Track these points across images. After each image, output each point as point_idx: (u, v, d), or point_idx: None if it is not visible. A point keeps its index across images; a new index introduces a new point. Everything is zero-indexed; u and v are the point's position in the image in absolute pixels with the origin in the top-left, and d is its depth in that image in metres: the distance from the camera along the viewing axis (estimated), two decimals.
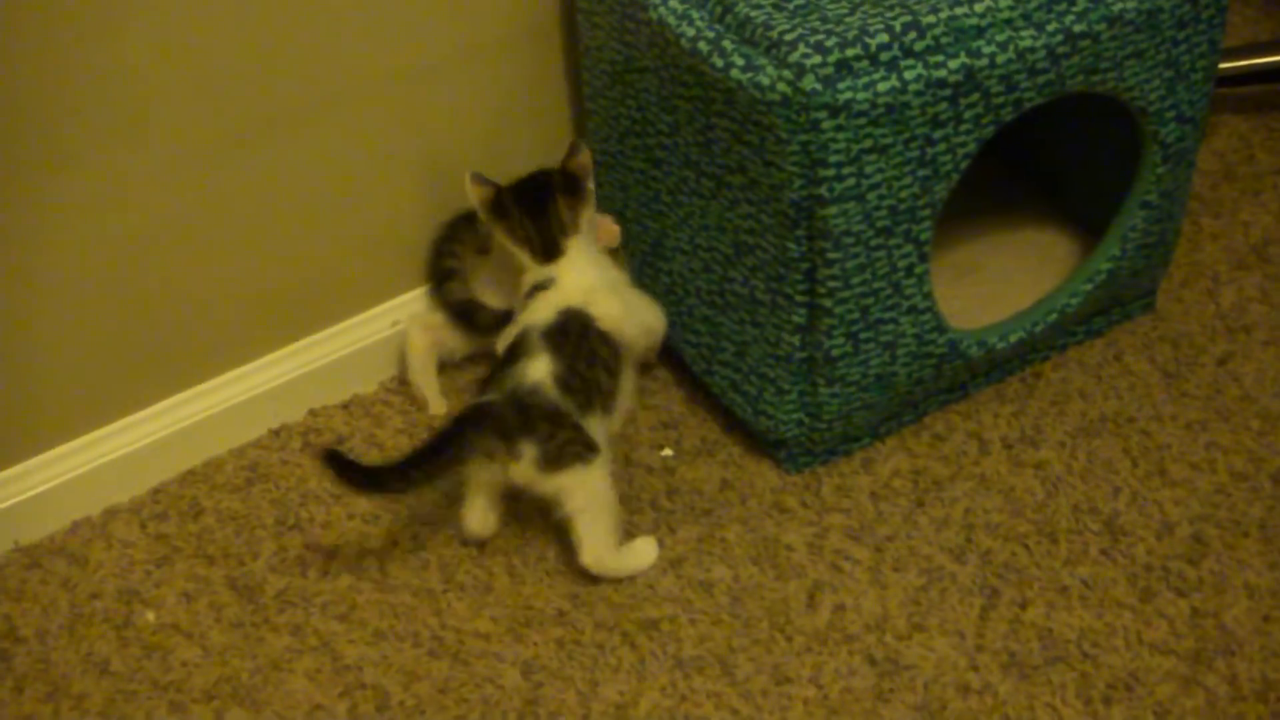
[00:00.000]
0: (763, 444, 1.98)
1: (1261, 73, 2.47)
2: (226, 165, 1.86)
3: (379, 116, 1.96)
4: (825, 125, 1.64)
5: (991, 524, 1.87)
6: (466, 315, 2.05)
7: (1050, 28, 1.72)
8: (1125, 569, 1.81)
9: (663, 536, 1.87)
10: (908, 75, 1.65)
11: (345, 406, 2.08)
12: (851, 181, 1.68)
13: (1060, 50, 1.73)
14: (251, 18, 1.80)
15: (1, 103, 1.68)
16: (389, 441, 2.02)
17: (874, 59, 1.64)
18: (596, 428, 1.82)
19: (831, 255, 1.73)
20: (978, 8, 1.69)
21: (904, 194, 1.73)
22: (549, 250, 1.90)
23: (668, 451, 1.99)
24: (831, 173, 1.67)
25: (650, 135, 1.91)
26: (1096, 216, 2.03)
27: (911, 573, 1.82)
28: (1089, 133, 2.05)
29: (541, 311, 1.85)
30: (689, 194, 1.88)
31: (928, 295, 1.83)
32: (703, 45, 1.71)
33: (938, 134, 1.70)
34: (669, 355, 2.08)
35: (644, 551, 1.85)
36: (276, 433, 2.05)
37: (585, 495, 1.79)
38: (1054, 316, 1.98)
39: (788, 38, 1.64)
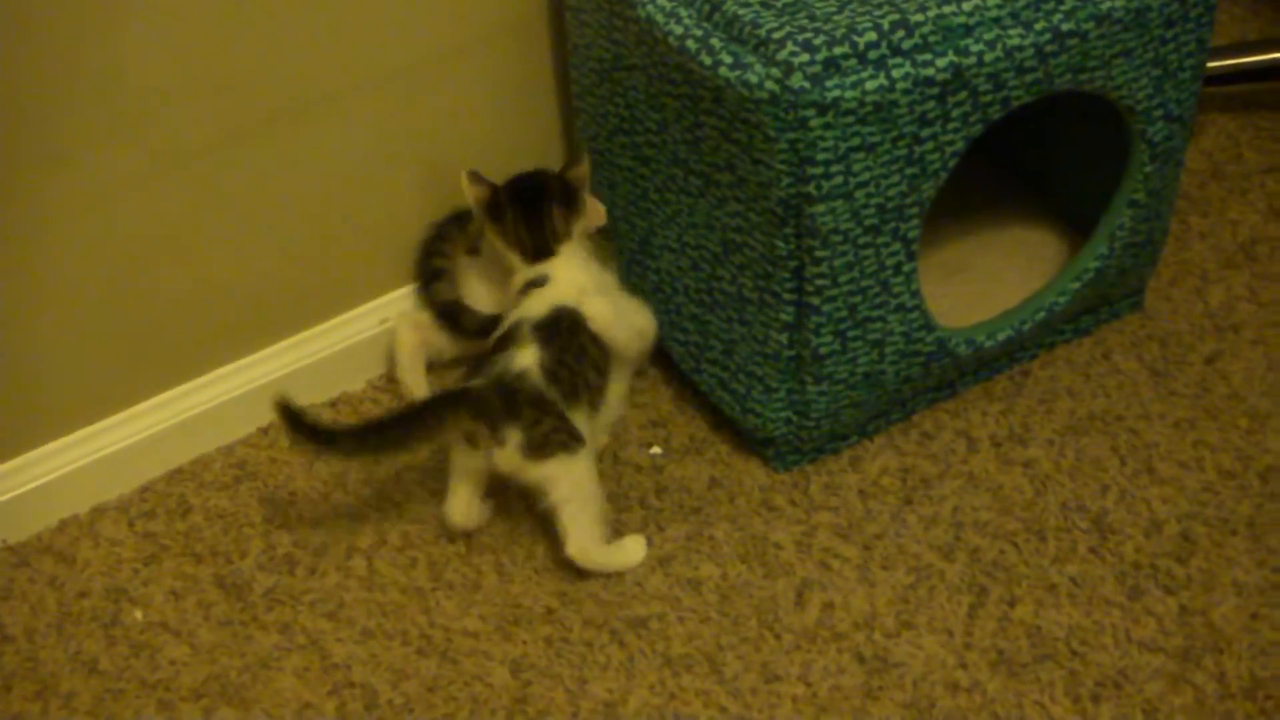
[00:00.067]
0: (751, 442, 1.98)
1: (1249, 71, 2.48)
2: (215, 164, 1.86)
3: (367, 115, 1.96)
4: (813, 123, 1.64)
5: (980, 522, 1.87)
6: (451, 316, 2.05)
7: (1038, 26, 1.72)
8: (1114, 567, 1.82)
9: (651, 534, 1.88)
10: (896, 74, 1.65)
11: (333, 404, 2.08)
12: (839, 180, 1.68)
13: (1048, 49, 1.73)
14: (240, 18, 1.79)
15: (2, 100, 1.68)
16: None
17: (862, 57, 1.64)
18: (583, 423, 1.82)
19: (819, 253, 1.73)
20: (965, 6, 1.69)
21: (892, 192, 1.73)
22: (539, 254, 1.91)
23: (656, 449, 1.99)
24: (819, 171, 1.67)
25: (638, 133, 1.91)
26: (1084, 215, 2.03)
27: (900, 571, 1.83)
28: (1077, 131, 2.05)
29: (535, 306, 1.86)
30: (677, 192, 1.88)
31: (916, 294, 1.84)
32: (690, 43, 1.71)
33: (926, 132, 1.71)
34: (657, 353, 2.08)
35: (632, 549, 1.85)
36: (265, 431, 2.04)
37: (570, 485, 1.79)
38: (1042, 315, 1.99)
39: (776, 36, 1.64)
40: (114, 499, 1.96)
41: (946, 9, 1.68)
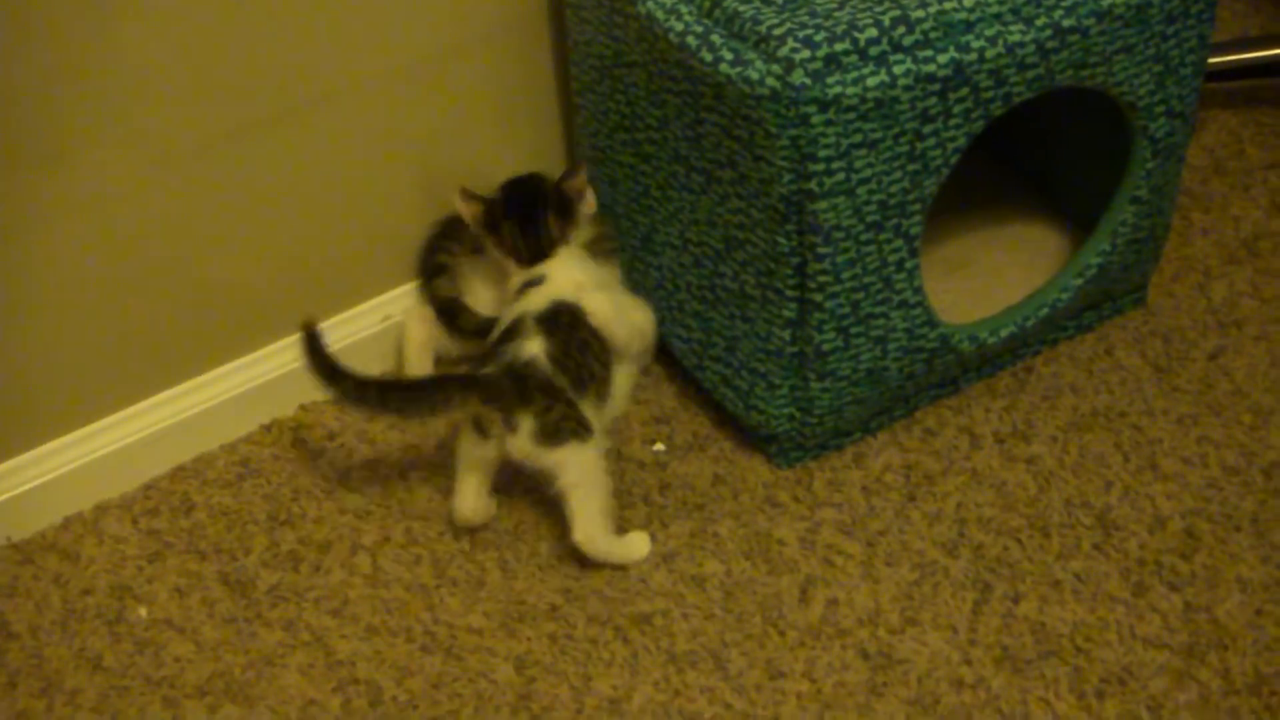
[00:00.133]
0: (754, 439, 1.98)
1: (1251, 67, 2.48)
2: (216, 161, 1.86)
3: (367, 113, 1.96)
4: (814, 120, 1.64)
5: (984, 518, 1.87)
6: (450, 314, 2.05)
7: (1039, 22, 1.72)
8: (1118, 563, 1.82)
9: (655, 531, 1.88)
10: (897, 70, 1.65)
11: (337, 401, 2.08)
12: (841, 176, 1.68)
13: (1049, 45, 1.73)
14: (240, 17, 1.80)
15: (3, 96, 1.68)
16: (380, 437, 2.02)
17: (863, 54, 1.64)
18: (591, 414, 1.83)
19: (822, 250, 1.73)
20: (967, 2, 1.69)
21: (894, 189, 1.73)
22: (535, 260, 1.94)
23: (660, 446, 1.99)
24: (821, 167, 1.67)
25: (639, 130, 1.91)
26: (1087, 211, 2.03)
27: (904, 567, 1.83)
28: (1079, 127, 2.05)
29: (534, 301, 1.87)
30: (679, 189, 1.88)
31: (918, 290, 1.84)
32: (691, 40, 1.71)
33: (927, 129, 1.71)
34: (660, 350, 2.08)
35: (636, 544, 1.85)
36: (268, 428, 2.05)
37: (579, 471, 1.80)
38: (1045, 311, 1.99)
39: (776, 32, 1.64)
40: (117, 496, 1.96)
41: (948, 5, 1.68)
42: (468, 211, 1.94)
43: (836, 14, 1.67)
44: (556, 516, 1.88)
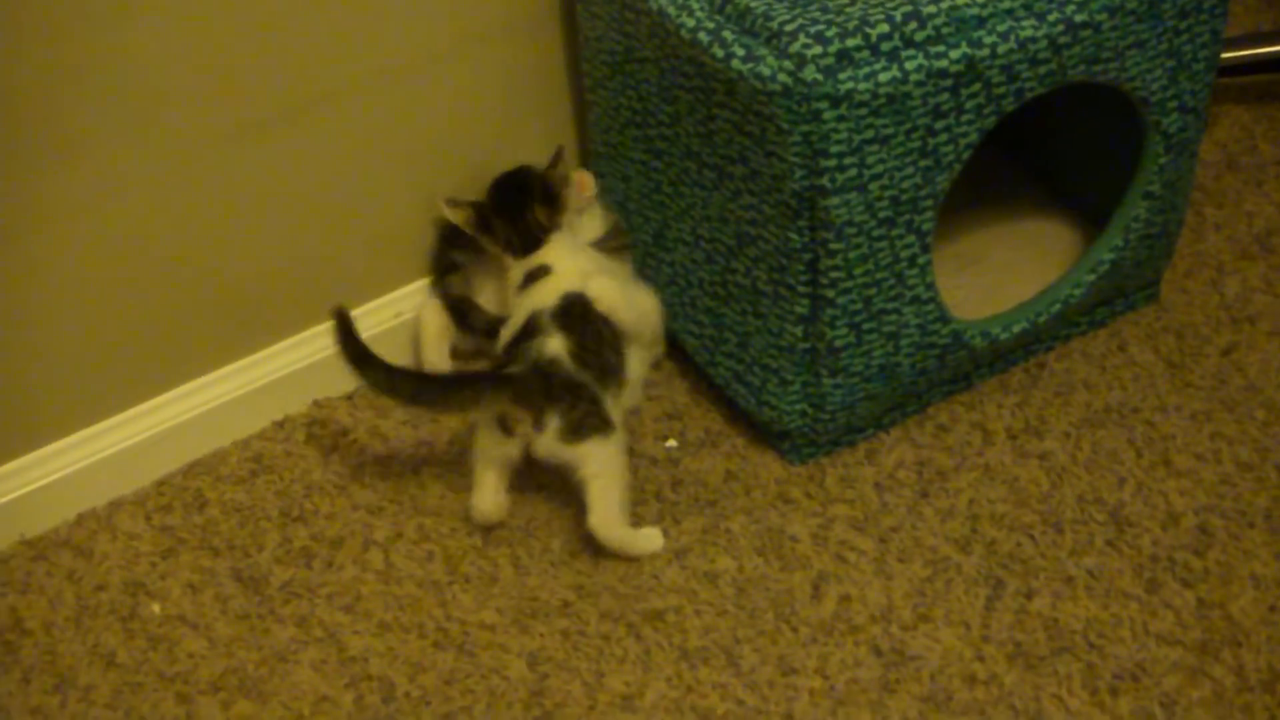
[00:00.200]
0: (766, 435, 1.98)
1: (1264, 62, 2.47)
2: (229, 158, 1.87)
3: (379, 108, 1.96)
4: (826, 116, 1.64)
5: (996, 514, 1.87)
6: (460, 312, 2.06)
7: (1051, 17, 1.71)
8: (1131, 560, 1.81)
9: (667, 527, 1.88)
10: (909, 65, 1.65)
11: (349, 398, 2.08)
12: (853, 172, 1.68)
13: (1061, 40, 1.72)
14: (250, 13, 1.80)
15: (8, 94, 1.68)
16: (392, 433, 2.02)
17: (875, 49, 1.64)
18: (611, 405, 1.84)
19: (834, 246, 1.73)
20: None
21: (906, 184, 1.72)
22: (528, 249, 1.95)
23: (672, 443, 1.99)
24: (833, 163, 1.67)
25: (651, 126, 1.91)
26: (1099, 207, 2.03)
27: (916, 563, 1.82)
28: (1091, 123, 2.05)
29: (545, 296, 1.88)
30: (690, 185, 1.88)
31: (930, 286, 1.83)
32: (703, 36, 1.71)
33: (939, 124, 1.70)
34: (672, 347, 2.08)
35: (650, 537, 1.85)
36: (280, 424, 2.05)
37: (601, 463, 1.81)
38: (1057, 307, 1.98)
39: (788, 28, 1.64)
40: (131, 493, 1.97)
41: (959, 0, 1.68)
42: (458, 218, 1.98)
43: (848, 9, 1.67)
44: (569, 513, 1.88)
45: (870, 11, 1.66)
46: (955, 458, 1.95)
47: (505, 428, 1.81)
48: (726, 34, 1.69)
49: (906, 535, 1.86)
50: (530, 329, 1.85)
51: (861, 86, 1.63)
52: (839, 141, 1.65)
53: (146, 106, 1.78)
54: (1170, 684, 1.68)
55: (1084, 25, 1.73)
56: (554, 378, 1.80)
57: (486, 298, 2.07)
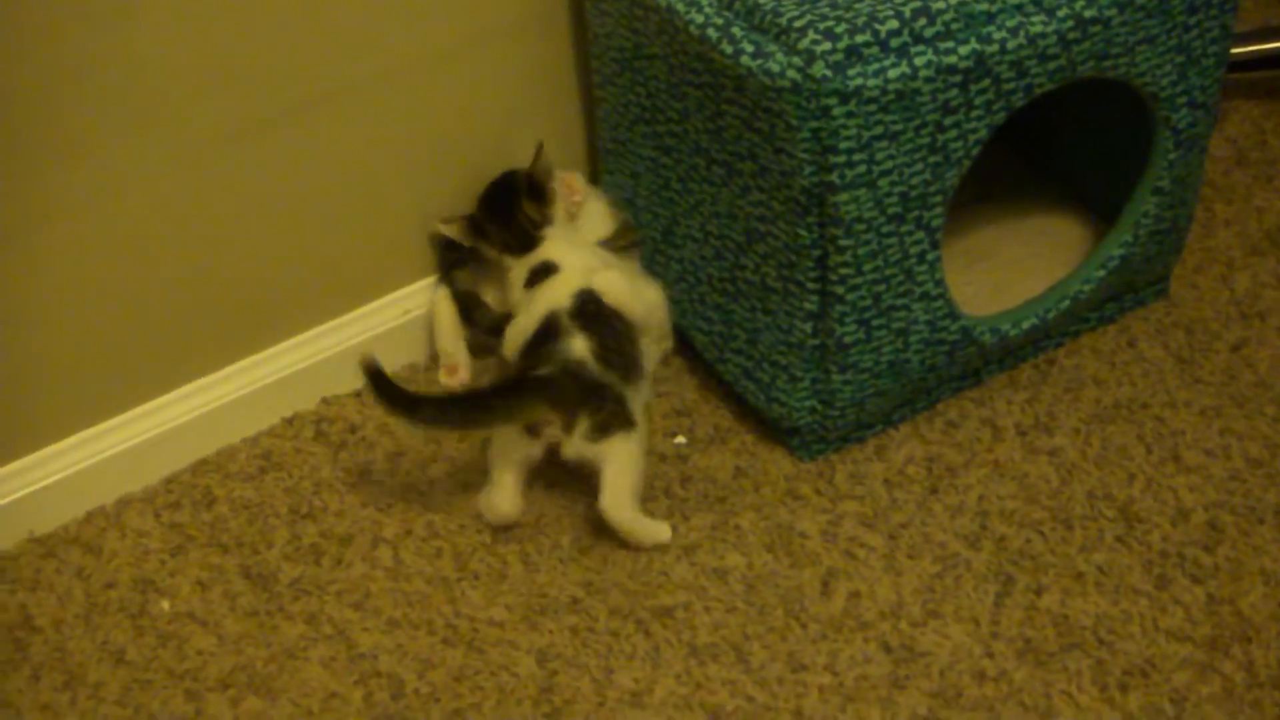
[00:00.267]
0: (776, 431, 1.98)
1: (1273, 58, 2.47)
2: (236, 154, 1.87)
3: (388, 105, 1.96)
4: (836, 112, 1.63)
5: (1006, 511, 1.87)
6: (466, 308, 2.06)
7: (1061, 13, 1.71)
8: (1141, 555, 1.81)
9: (676, 524, 1.88)
10: (918, 61, 1.65)
11: (358, 395, 2.08)
12: (862, 168, 1.68)
13: (1071, 36, 1.72)
14: (259, 7, 1.80)
15: (16, 92, 1.68)
16: (401, 430, 2.02)
17: (884, 45, 1.64)
18: (634, 402, 1.85)
19: (843, 242, 1.73)
20: None
21: (915, 180, 1.72)
22: (525, 246, 1.97)
23: (681, 439, 1.99)
24: (842, 159, 1.67)
25: (660, 123, 1.91)
26: (1109, 202, 2.02)
27: (926, 560, 1.82)
28: (1101, 118, 2.05)
29: (557, 295, 1.88)
30: (699, 181, 1.88)
31: (940, 282, 1.83)
32: (711, 32, 1.71)
33: (949, 120, 1.70)
34: (681, 343, 2.08)
35: (658, 528, 1.86)
36: (289, 421, 2.05)
37: (620, 452, 1.81)
38: (1066, 303, 1.98)
39: (797, 24, 1.64)
40: (139, 490, 1.97)
41: None
42: (454, 232, 2.01)
43: (857, 6, 1.66)
44: (578, 510, 1.88)
45: (879, 7, 1.66)
46: (965, 454, 1.94)
47: (532, 430, 1.82)
48: (735, 30, 1.69)
49: (916, 531, 1.85)
50: (550, 330, 1.85)
51: (871, 83, 1.63)
52: (848, 138, 1.65)
53: (152, 103, 1.78)
54: (1180, 680, 1.68)
55: (1093, 21, 1.73)
56: (583, 380, 1.81)
57: (491, 297, 2.07)
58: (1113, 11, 1.74)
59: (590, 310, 1.86)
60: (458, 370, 2.07)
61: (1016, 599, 1.77)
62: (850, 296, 1.78)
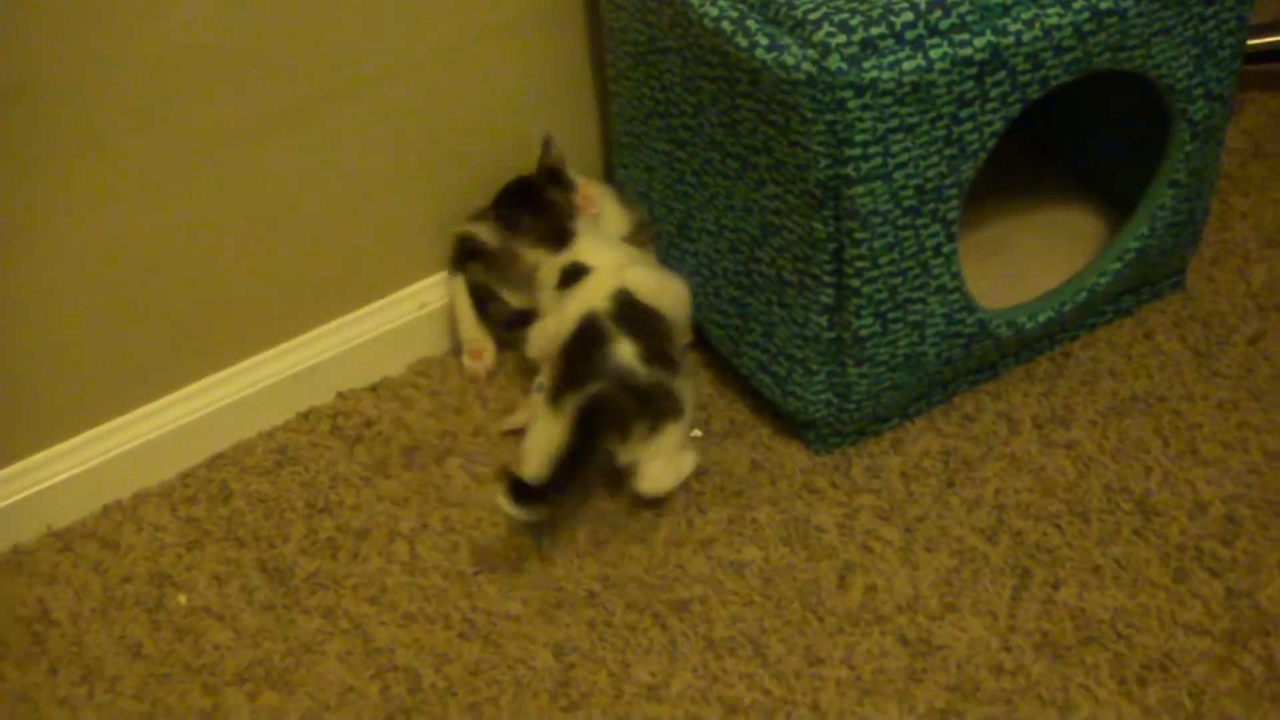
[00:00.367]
0: (792, 425, 1.97)
1: None
2: (252, 150, 1.87)
3: (403, 100, 1.96)
4: (851, 104, 1.63)
5: (1023, 504, 1.87)
6: (480, 301, 2.05)
7: (1076, 5, 1.71)
8: (1158, 549, 1.81)
9: (692, 517, 1.88)
10: (933, 54, 1.64)
11: (373, 389, 2.08)
12: (878, 161, 1.68)
13: (1087, 27, 1.72)
14: (273, 3, 1.80)
15: (24, 91, 1.68)
16: (417, 424, 2.02)
17: (899, 37, 1.64)
18: (683, 390, 1.86)
19: (859, 235, 1.73)
20: None
21: (931, 173, 1.72)
22: (561, 237, 1.96)
23: (697, 433, 1.99)
24: (858, 152, 1.66)
25: (674, 116, 1.91)
26: (1125, 195, 2.02)
27: (943, 553, 1.82)
28: (1117, 111, 2.04)
29: (593, 296, 1.88)
30: (714, 175, 1.87)
31: (956, 275, 1.83)
32: (726, 25, 1.70)
33: (964, 113, 1.70)
34: (697, 337, 2.08)
35: (687, 460, 1.88)
36: (305, 415, 2.05)
37: (671, 439, 1.83)
38: (1083, 296, 1.98)
39: (812, 17, 1.64)
40: (156, 484, 1.97)
41: None
42: (482, 229, 2.00)
43: None
44: (594, 503, 1.88)
45: (894, 0, 1.65)
46: (981, 447, 1.94)
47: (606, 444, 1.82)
48: (750, 23, 1.69)
49: (933, 525, 1.85)
50: (590, 334, 1.85)
51: (886, 75, 1.63)
52: (863, 130, 1.65)
53: (167, 100, 1.78)
54: (1198, 673, 1.68)
55: (1109, 12, 1.72)
56: (635, 389, 1.81)
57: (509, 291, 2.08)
58: (1128, 3, 1.73)
59: (629, 311, 1.86)
60: (483, 354, 2.07)
61: (1034, 592, 1.77)
62: (866, 290, 1.78)
